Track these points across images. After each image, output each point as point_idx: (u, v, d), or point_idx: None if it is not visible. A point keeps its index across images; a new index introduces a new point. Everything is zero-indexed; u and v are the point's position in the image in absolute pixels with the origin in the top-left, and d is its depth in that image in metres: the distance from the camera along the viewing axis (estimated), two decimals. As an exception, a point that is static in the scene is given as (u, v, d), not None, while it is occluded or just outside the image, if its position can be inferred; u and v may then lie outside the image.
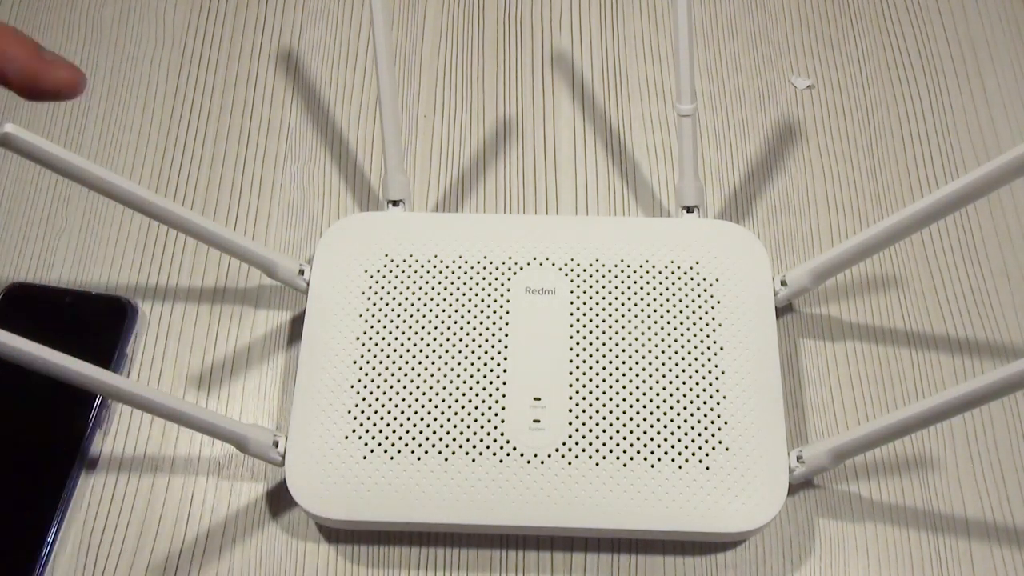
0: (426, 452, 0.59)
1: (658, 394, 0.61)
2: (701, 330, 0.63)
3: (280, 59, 0.81)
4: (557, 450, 0.59)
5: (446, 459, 0.59)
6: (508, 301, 0.64)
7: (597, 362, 0.62)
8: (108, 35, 0.82)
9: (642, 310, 0.64)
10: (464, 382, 0.62)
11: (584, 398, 0.61)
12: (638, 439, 0.60)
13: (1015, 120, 0.77)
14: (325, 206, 0.75)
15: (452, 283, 0.65)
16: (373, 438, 0.60)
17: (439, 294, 0.65)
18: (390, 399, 0.61)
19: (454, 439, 0.60)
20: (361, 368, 0.62)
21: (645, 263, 0.65)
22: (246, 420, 0.66)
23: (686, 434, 0.60)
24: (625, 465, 0.59)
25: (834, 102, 0.79)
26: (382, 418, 0.61)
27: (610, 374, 0.62)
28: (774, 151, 0.77)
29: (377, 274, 0.65)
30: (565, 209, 0.74)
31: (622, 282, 0.65)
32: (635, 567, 0.62)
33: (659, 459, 0.59)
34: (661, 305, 0.64)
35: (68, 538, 0.63)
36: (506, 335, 0.63)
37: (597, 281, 0.65)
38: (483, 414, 0.61)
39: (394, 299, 0.64)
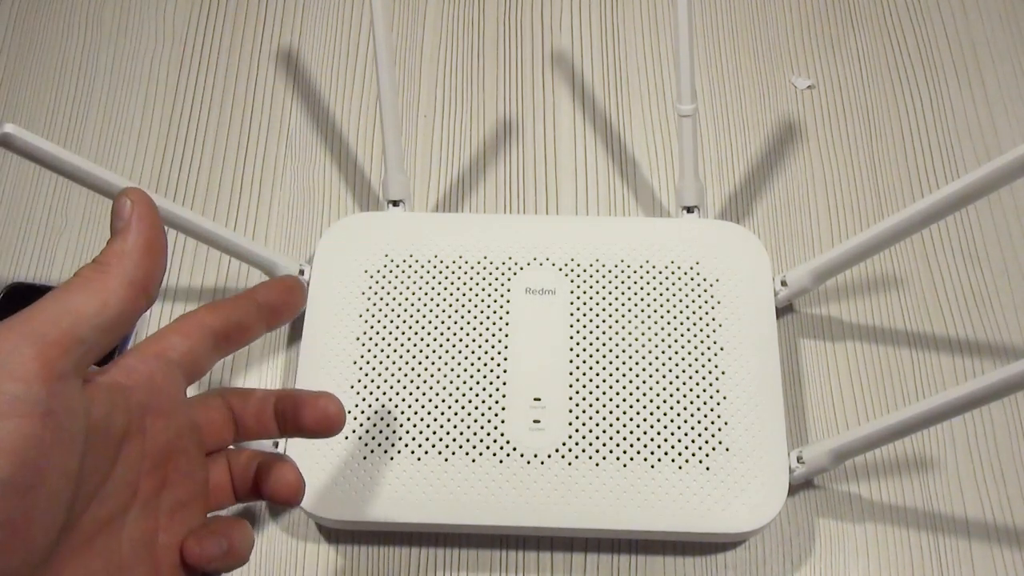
0: (426, 452, 0.59)
1: (658, 394, 0.61)
2: (701, 330, 0.63)
3: (280, 59, 0.81)
4: (557, 450, 0.59)
5: (446, 459, 0.59)
6: (508, 301, 0.64)
7: (597, 362, 0.62)
8: (108, 35, 0.82)
9: (642, 310, 0.64)
10: (464, 382, 0.61)
11: (584, 398, 0.61)
12: (638, 439, 0.60)
13: (1015, 120, 0.77)
14: (325, 206, 0.75)
15: (452, 283, 0.65)
16: (373, 438, 0.60)
17: (439, 294, 0.65)
18: (390, 399, 0.61)
19: (454, 439, 0.60)
20: (361, 368, 0.62)
21: (645, 263, 0.65)
22: (246, 420, 0.66)
23: (686, 435, 0.60)
24: (625, 466, 0.59)
25: (834, 102, 0.79)
26: (382, 418, 0.61)
27: (610, 374, 0.62)
28: (774, 151, 0.77)
29: (377, 274, 0.65)
30: (565, 209, 0.74)
31: (622, 282, 0.65)
32: (635, 567, 0.62)
33: (659, 460, 0.59)
34: (661, 305, 0.64)
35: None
36: (506, 335, 0.63)
37: (597, 281, 0.65)
38: (483, 414, 0.61)
39: (394, 299, 0.64)
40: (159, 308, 0.70)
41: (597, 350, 0.62)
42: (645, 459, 0.59)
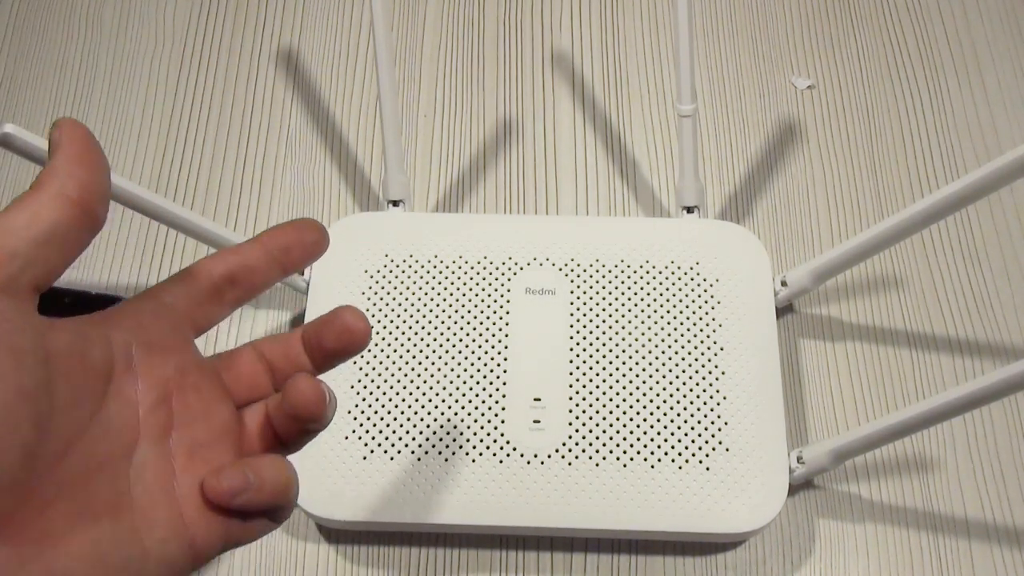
0: (426, 453, 0.59)
1: (658, 395, 0.61)
2: (701, 330, 0.63)
3: (280, 59, 0.81)
4: (557, 451, 0.59)
5: (446, 460, 0.59)
6: (508, 301, 0.64)
7: (597, 363, 0.62)
8: (108, 35, 0.82)
9: (642, 310, 0.64)
10: (464, 382, 0.61)
11: (584, 399, 0.61)
12: (638, 440, 0.60)
13: (1015, 120, 0.77)
14: (325, 206, 0.75)
15: (452, 283, 0.65)
16: (373, 439, 0.60)
17: (439, 294, 0.65)
18: (390, 399, 0.61)
19: (454, 440, 0.60)
20: (361, 368, 0.62)
21: (645, 263, 0.65)
22: (246, 420, 0.66)
23: (686, 435, 0.60)
24: (625, 466, 0.59)
25: (834, 102, 0.79)
26: (382, 419, 0.61)
27: (610, 375, 0.62)
28: (774, 151, 0.77)
29: (377, 274, 0.65)
30: (565, 209, 0.74)
31: (622, 282, 0.65)
32: (635, 567, 0.62)
33: (659, 460, 0.59)
34: (661, 305, 0.64)
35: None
36: (506, 336, 0.63)
37: (597, 281, 0.65)
38: (483, 415, 0.61)
39: (394, 299, 0.64)
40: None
41: (597, 350, 0.62)
42: (645, 459, 0.59)
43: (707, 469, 0.59)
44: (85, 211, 0.36)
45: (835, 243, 0.71)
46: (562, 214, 0.74)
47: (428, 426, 0.60)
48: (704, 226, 0.67)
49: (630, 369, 0.62)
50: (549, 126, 0.78)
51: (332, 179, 0.76)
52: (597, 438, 0.60)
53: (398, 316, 0.64)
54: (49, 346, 0.33)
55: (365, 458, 0.59)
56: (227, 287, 0.40)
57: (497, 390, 0.61)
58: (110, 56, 0.81)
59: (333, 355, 0.41)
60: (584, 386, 0.61)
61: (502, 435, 0.60)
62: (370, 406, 0.61)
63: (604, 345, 0.63)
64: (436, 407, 0.61)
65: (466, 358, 0.62)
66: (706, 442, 0.59)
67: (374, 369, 0.62)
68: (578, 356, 0.62)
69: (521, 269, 0.65)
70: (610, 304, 0.64)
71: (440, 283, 0.65)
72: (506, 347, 0.63)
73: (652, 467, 0.59)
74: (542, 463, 0.59)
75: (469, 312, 0.64)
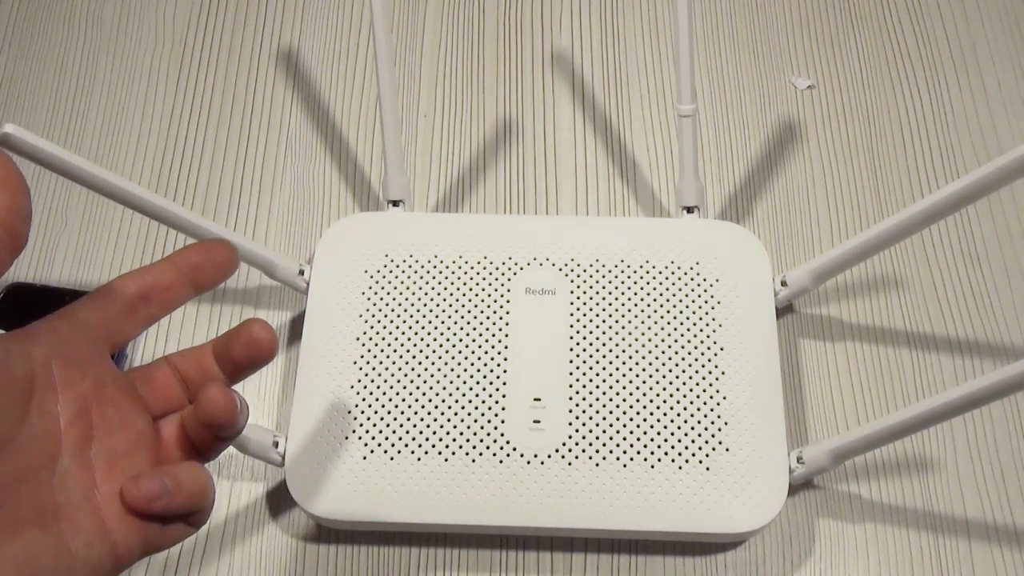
0: (426, 453, 0.59)
1: (658, 395, 0.61)
2: (701, 331, 0.63)
3: (280, 59, 0.81)
4: (557, 451, 0.59)
5: (446, 460, 0.59)
6: (508, 302, 0.64)
7: (597, 363, 0.62)
8: (108, 35, 0.82)
9: (642, 310, 0.64)
10: (464, 383, 0.61)
11: (584, 399, 0.61)
12: (638, 440, 0.60)
13: (1015, 120, 0.77)
14: (325, 206, 0.75)
15: (452, 283, 0.65)
16: (373, 439, 0.60)
17: (439, 294, 0.65)
18: (390, 400, 0.61)
19: (454, 440, 0.60)
20: (361, 368, 0.62)
21: (645, 263, 0.65)
22: (246, 420, 0.66)
23: (686, 435, 0.60)
24: (625, 466, 0.59)
25: (834, 102, 0.79)
26: (382, 419, 0.61)
27: (610, 375, 0.62)
28: (774, 151, 0.77)
29: (377, 274, 0.65)
30: (565, 209, 0.74)
31: (622, 282, 0.65)
32: (635, 567, 0.62)
33: (659, 460, 0.59)
34: (661, 306, 0.64)
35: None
36: (506, 336, 0.63)
37: (597, 281, 0.65)
38: (483, 415, 0.61)
39: (394, 299, 0.64)
40: (159, 308, 0.70)
41: (597, 350, 0.62)
42: (645, 459, 0.59)
43: (707, 469, 0.59)
44: (7, 231, 0.37)
45: (835, 243, 0.71)
46: (562, 214, 0.74)
47: (428, 426, 0.60)
48: (704, 226, 0.67)
49: (630, 369, 0.62)
50: (549, 126, 0.78)
51: (332, 179, 0.76)
52: (597, 438, 0.60)
53: (398, 316, 0.64)
54: None
55: (365, 458, 0.59)
56: (140, 304, 0.42)
57: (497, 390, 0.61)
58: (110, 56, 0.81)
59: (242, 365, 0.42)
60: (584, 386, 0.61)
61: (502, 435, 0.60)
62: (370, 406, 0.61)
63: (604, 345, 0.63)
64: (436, 407, 0.61)
65: (466, 358, 0.62)
66: (706, 442, 0.59)
67: (374, 369, 0.62)
68: (578, 356, 0.62)
69: (521, 269, 0.65)
70: (610, 304, 0.64)
71: (440, 283, 0.65)
72: (506, 347, 0.63)
73: (652, 467, 0.59)
74: (542, 463, 0.59)
75: (469, 312, 0.64)
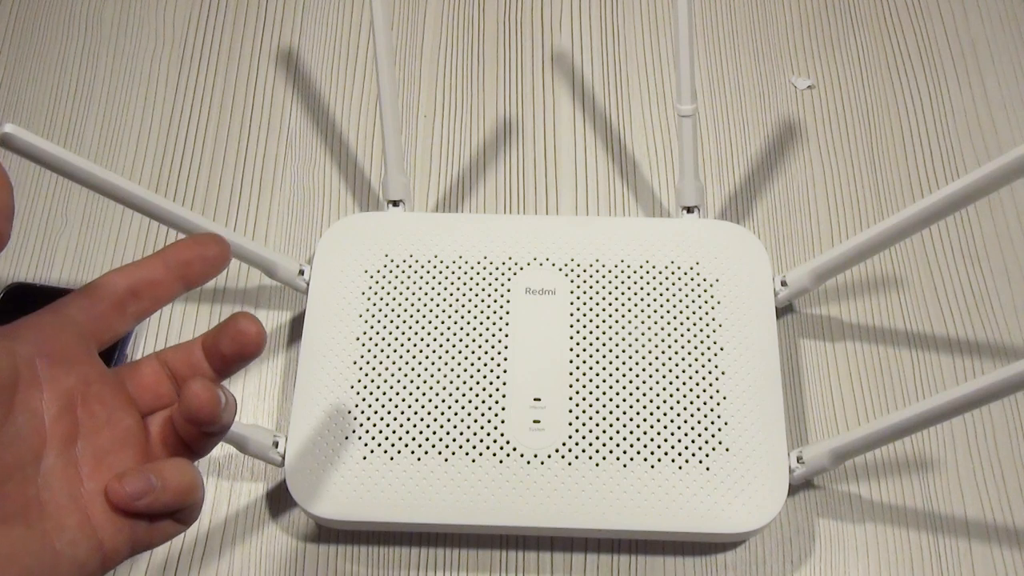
0: (426, 453, 0.59)
1: (658, 395, 0.61)
2: (701, 331, 0.63)
3: (280, 59, 0.81)
4: (557, 451, 0.59)
5: (446, 459, 0.59)
6: (508, 301, 0.64)
7: (597, 363, 0.62)
8: (108, 35, 0.82)
9: (642, 310, 0.64)
10: (464, 382, 0.61)
11: (584, 399, 0.61)
12: (638, 439, 0.60)
13: (1015, 120, 0.77)
14: (325, 206, 0.75)
15: (452, 283, 0.65)
16: (373, 438, 0.60)
17: (439, 294, 0.65)
18: (390, 399, 0.61)
19: (454, 439, 0.60)
20: (361, 368, 0.62)
21: (645, 263, 0.65)
22: (246, 420, 0.66)
23: (686, 435, 0.60)
24: (625, 466, 0.59)
25: (834, 102, 0.79)
26: (382, 419, 0.61)
27: (610, 375, 0.62)
28: (774, 151, 0.77)
29: (377, 274, 0.65)
30: (565, 209, 0.74)
31: (622, 282, 0.65)
32: (635, 567, 0.62)
33: (659, 460, 0.59)
34: (661, 306, 0.64)
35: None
36: (506, 336, 0.63)
37: (597, 281, 0.65)
38: (483, 415, 0.61)
39: (394, 299, 0.64)
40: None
41: (597, 350, 0.62)
42: (645, 459, 0.59)
43: (707, 469, 0.59)
44: None
45: (835, 243, 0.71)
46: (562, 214, 0.74)
47: (428, 426, 0.60)
48: (704, 226, 0.67)
49: (630, 369, 0.62)
50: (549, 126, 0.78)
51: (332, 179, 0.76)
52: (597, 438, 0.60)
53: (398, 316, 0.64)
54: None
55: (365, 458, 0.59)
56: (130, 300, 0.41)
57: (497, 390, 0.61)
58: (110, 56, 0.81)
59: (231, 360, 0.42)
60: (584, 386, 0.61)
61: (502, 435, 0.60)
62: (370, 406, 0.61)
63: (604, 345, 0.63)
64: (436, 407, 0.61)
65: (466, 358, 0.62)
66: (706, 442, 0.59)
67: (374, 369, 0.62)
68: (578, 356, 0.62)
69: (521, 269, 0.65)
70: (610, 304, 0.64)
71: (440, 283, 0.65)
72: (506, 347, 0.63)
73: (652, 467, 0.59)
74: (542, 463, 0.59)
75: (469, 312, 0.64)
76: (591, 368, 0.62)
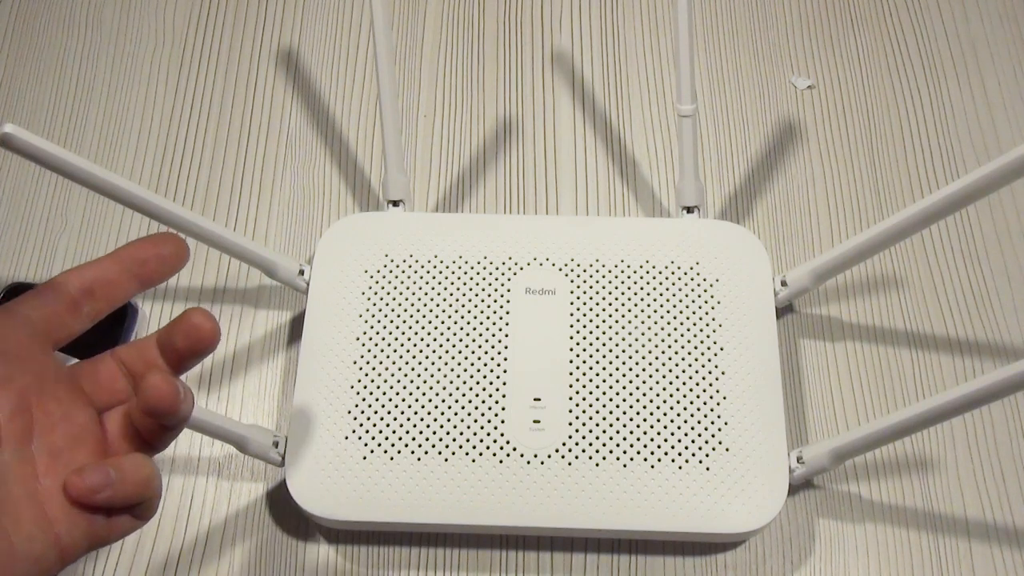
0: (426, 453, 0.59)
1: (658, 395, 0.61)
2: (701, 331, 0.63)
3: (280, 59, 0.81)
4: (557, 451, 0.59)
5: (446, 460, 0.59)
6: (508, 301, 0.64)
7: (597, 362, 0.62)
8: (108, 35, 0.82)
9: (642, 310, 0.64)
10: (464, 382, 0.61)
11: (584, 398, 0.61)
12: (638, 439, 0.60)
13: (1015, 120, 0.77)
14: (325, 206, 0.75)
15: (452, 283, 0.65)
16: (373, 439, 0.60)
17: (439, 294, 0.65)
18: (390, 400, 0.61)
19: (454, 440, 0.60)
20: (361, 368, 0.62)
21: (645, 263, 0.65)
22: (246, 420, 0.66)
23: (686, 435, 0.60)
24: (625, 466, 0.59)
25: (834, 102, 0.79)
26: (382, 419, 0.61)
27: (610, 374, 0.62)
28: (774, 151, 0.77)
29: (377, 274, 0.65)
30: (565, 209, 0.74)
31: (622, 282, 0.65)
32: (635, 567, 0.62)
33: (659, 460, 0.59)
34: (661, 306, 0.64)
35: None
36: (506, 335, 0.63)
37: (597, 281, 0.65)
38: (483, 415, 0.61)
39: (394, 299, 0.64)
40: (159, 308, 0.70)
41: (597, 350, 0.62)
42: (645, 459, 0.59)
43: (707, 469, 0.59)
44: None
45: (835, 243, 0.71)
46: (562, 214, 0.74)
47: (428, 426, 0.60)
48: (704, 226, 0.67)
49: (630, 369, 0.62)
50: (549, 126, 0.78)
51: (332, 179, 0.76)
52: (597, 438, 0.60)
53: (398, 316, 0.64)
54: None
55: (365, 458, 0.59)
56: (84, 299, 0.42)
57: (497, 390, 0.61)
58: (110, 56, 0.81)
59: (185, 355, 0.42)
60: (584, 386, 0.61)
61: (502, 435, 0.60)
62: (370, 406, 0.61)
63: (604, 345, 0.63)
64: (436, 407, 0.61)
65: (466, 358, 0.62)
66: (706, 442, 0.59)
67: (374, 369, 0.62)
68: (578, 356, 0.62)
69: (521, 269, 0.65)
70: (610, 304, 0.64)
71: (440, 283, 0.65)
72: (506, 347, 0.63)
73: (652, 467, 0.59)
74: (542, 463, 0.59)
75: (469, 312, 0.64)
76: (591, 368, 0.62)
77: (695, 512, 0.58)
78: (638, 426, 0.60)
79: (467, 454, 0.59)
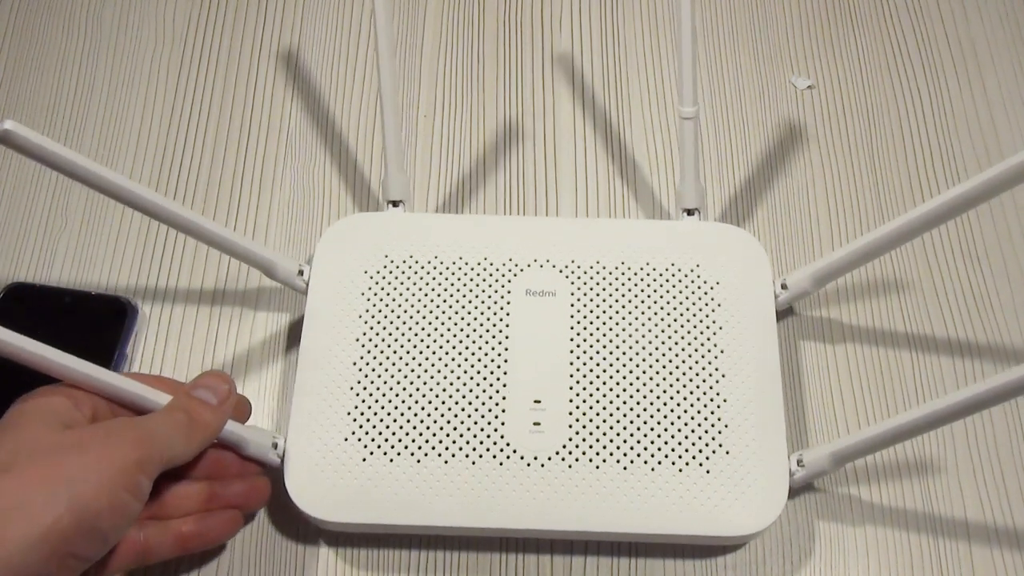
0: (426, 455, 0.59)
1: (658, 397, 0.61)
2: (702, 333, 0.63)
3: (280, 59, 0.81)
4: (557, 453, 0.59)
5: (446, 462, 0.59)
6: (508, 303, 0.64)
7: (598, 364, 0.62)
8: (108, 35, 0.82)
9: (643, 313, 0.64)
10: (464, 384, 0.61)
11: (584, 401, 0.61)
12: (638, 442, 0.60)
13: (1015, 120, 0.77)
14: (325, 206, 0.75)
15: (452, 284, 0.65)
16: (373, 440, 0.60)
17: (439, 295, 0.64)
18: (390, 401, 0.61)
19: (454, 442, 0.60)
20: (361, 370, 0.62)
21: (646, 265, 0.65)
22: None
23: (686, 437, 0.60)
24: (625, 468, 0.59)
25: (834, 102, 0.79)
26: (382, 420, 0.60)
27: (610, 377, 0.61)
28: (775, 152, 0.77)
29: (377, 275, 0.65)
30: (565, 211, 0.74)
31: (623, 284, 0.65)
32: (635, 570, 0.62)
33: (659, 462, 0.59)
34: (662, 308, 0.64)
35: (68, 539, 0.62)
36: (506, 337, 0.63)
37: (598, 283, 0.65)
38: (483, 416, 0.60)
39: (394, 300, 0.64)
40: (159, 308, 0.70)
41: (597, 352, 0.62)
42: (645, 462, 0.59)
43: (707, 472, 0.59)
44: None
45: (835, 245, 0.71)
46: (562, 215, 0.74)
47: (428, 428, 0.60)
48: (704, 228, 0.67)
49: (630, 371, 0.62)
50: (549, 126, 0.78)
51: (332, 179, 0.76)
52: (597, 440, 0.60)
53: (398, 317, 0.64)
54: None
55: (364, 460, 0.59)
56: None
57: (497, 392, 0.61)
58: (110, 56, 0.81)
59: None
60: (584, 388, 0.61)
61: (502, 437, 0.60)
62: (369, 408, 0.61)
63: (605, 347, 0.63)
64: (436, 409, 0.61)
65: (466, 360, 0.62)
66: (706, 445, 0.59)
67: (373, 371, 0.62)
68: (578, 358, 0.62)
69: (521, 270, 0.65)
70: (611, 306, 0.64)
71: (440, 284, 0.65)
72: (506, 349, 0.63)
73: (652, 470, 0.59)
74: (542, 465, 0.59)
75: (469, 313, 0.64)
76: (591, 370, 0.62)
77: (695, 515, 0.58)
78: (638, 428, 0.60)
79: (467, 456, 0.59)
